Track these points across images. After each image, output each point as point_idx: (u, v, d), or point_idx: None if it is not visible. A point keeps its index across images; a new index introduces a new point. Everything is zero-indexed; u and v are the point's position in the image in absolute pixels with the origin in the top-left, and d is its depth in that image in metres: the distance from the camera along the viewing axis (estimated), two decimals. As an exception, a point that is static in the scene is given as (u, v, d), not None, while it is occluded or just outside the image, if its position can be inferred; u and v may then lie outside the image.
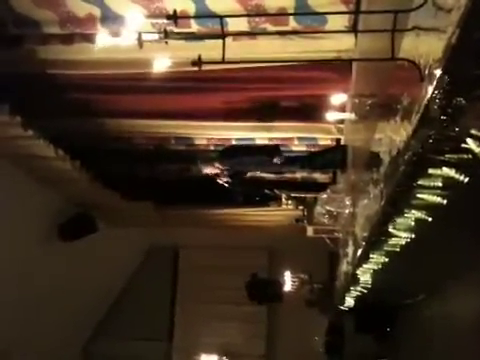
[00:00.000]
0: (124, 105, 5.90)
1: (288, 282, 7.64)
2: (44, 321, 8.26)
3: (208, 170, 6.10)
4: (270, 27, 4.22)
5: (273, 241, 9.54)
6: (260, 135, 6.41)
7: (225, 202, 7.56)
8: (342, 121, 5.66)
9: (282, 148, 6.37)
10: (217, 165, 5.94)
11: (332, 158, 5.91)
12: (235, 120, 6.00)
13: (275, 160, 5.83)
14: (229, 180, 6.03)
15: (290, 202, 6.41)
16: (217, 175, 6.03)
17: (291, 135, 6.44)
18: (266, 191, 6.27)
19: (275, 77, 5.25)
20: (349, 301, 5.81)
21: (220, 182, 6.07)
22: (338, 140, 6.48)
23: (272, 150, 6.19)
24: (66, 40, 4.58)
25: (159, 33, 2.03)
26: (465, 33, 1.45)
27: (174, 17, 2.01)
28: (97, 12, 4.23)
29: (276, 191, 6.29)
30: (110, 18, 4.16)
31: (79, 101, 5.72)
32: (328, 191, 4.58)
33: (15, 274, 7.03)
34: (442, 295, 4.56)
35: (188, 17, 3.77)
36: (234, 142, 6.54)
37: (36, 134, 5.40)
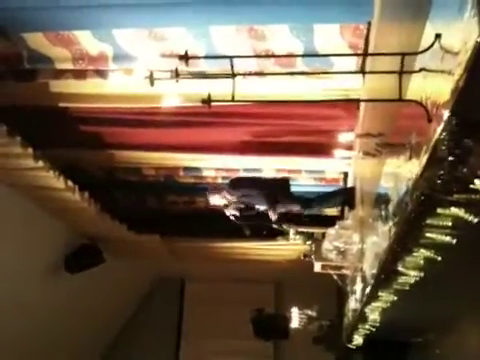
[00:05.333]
0: (134, 138, 5.97)
1: (295, 318, 7.52)
2: (49, 353, 8.15)
3: (216, 201, 6.08)
4: (279, 70, 4.30)
5: (280, 275, 9.44)
6: (268, 166, 6.44)
7: (232, 235, 7.53)
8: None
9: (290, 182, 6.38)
10: (225, 195, 5.93)
11: (335, 202, 5.96)
12: (244, 154, 6.04)
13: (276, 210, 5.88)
14: (237, 213, 6.01)
15: (298, 237, 6.37)
16: (225, 206, 6.01)
17: (299, 168, 6.47)
18: (274, 225, 6.23)
19: (284, 113, 5.31)
20: (357, 339, 5.70)
21: (228, 214, 6.05)
22: (346, 174, 6.50)
23: (281, 183, 6.19)
24: (79, 75, 4.68)
25: (170, 72, 2.08)
26: (472, 75, 1.47)
27: (185, 57, 2.06)
28: (110, 51, 4.33)
29: (284, 225, 6.26)
30: (122, 57, 4.25)
31: (89, 133, 5.80)
32: (336, 227, 4.56)
33: (18, 304, 6.98)
34: (453, 334, 4.47)
35: (199, 57, 3.84)
36: (242, 173, 6.56)
37: (47, 165, 5.46)
